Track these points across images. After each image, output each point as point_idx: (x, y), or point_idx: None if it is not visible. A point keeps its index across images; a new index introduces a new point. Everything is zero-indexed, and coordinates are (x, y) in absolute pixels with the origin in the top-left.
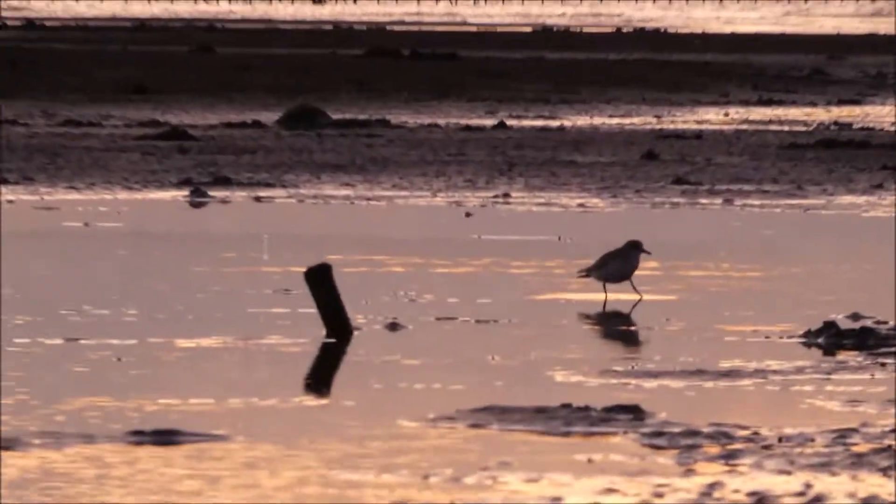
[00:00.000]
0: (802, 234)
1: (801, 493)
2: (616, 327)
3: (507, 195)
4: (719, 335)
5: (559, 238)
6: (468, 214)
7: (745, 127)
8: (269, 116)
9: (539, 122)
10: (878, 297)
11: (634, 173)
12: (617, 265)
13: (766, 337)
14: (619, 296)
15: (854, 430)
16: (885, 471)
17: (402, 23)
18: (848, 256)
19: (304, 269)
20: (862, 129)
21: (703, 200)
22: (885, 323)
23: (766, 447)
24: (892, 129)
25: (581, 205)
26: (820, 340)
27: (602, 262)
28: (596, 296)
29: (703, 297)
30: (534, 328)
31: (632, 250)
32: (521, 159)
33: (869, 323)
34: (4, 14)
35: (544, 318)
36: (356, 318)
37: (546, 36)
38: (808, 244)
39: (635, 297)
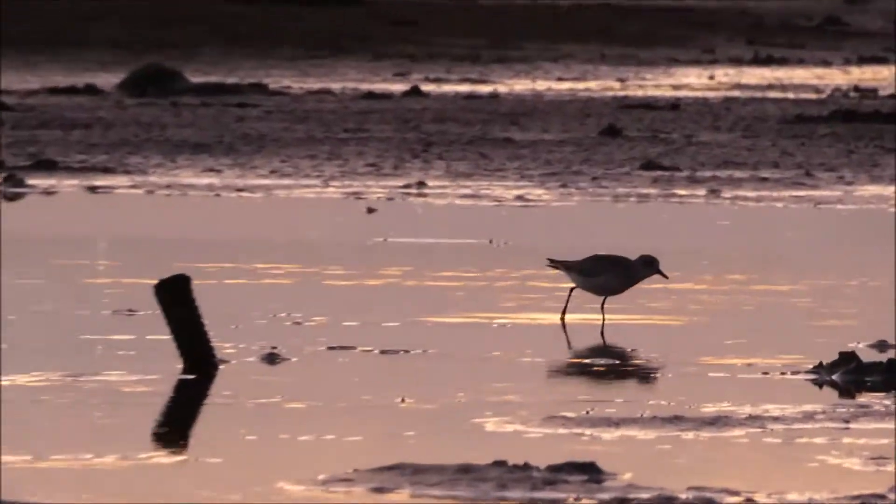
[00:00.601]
0: (812, 236)
1: None
2: (568, 360)
3: (422, 184)
4: (703, 370)
5: (491, 241)
6: (371, 210)
7: (736, 94)
8: (108, 80)
9: (465, 88)
10: None
11: (591, 155)
12: (618, 280)
13: (765, 373)
14: (574, 316)
15: (880, 497)
16: None
17: None
18: (871, 266)
19: (154, 283)
20: (891, 96)
21: (682, 191)
22: None
23: None
24: None
25: (520, 197)
26: (835, 377)
27: (594, 268)
28: (543, 316)
29: (682, 319)
30: (458, 361)
31: (644, 268)
32: (440, 137)
33: None
34: None
35: (472, 347)
36: (223, 347)
37: None
38: (820, 249)
39: (597, 317)
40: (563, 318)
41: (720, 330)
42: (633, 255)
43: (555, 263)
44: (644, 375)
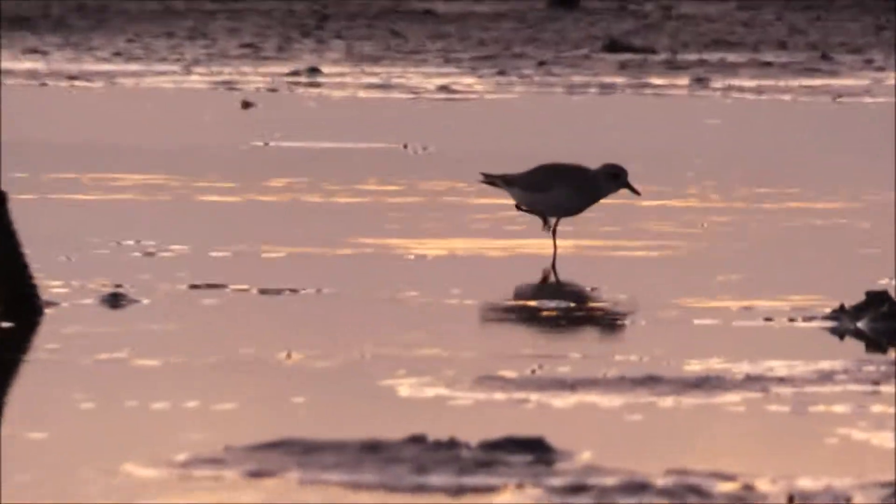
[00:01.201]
0: (829, 138)
1: None
2: (508, 302)
3: (314, 71)
4: (686, 315)
5: (405, 146)
6: (247, 104)
7: None
8: None
9: None
10: None
11: (537, 33)
12: (575, 196)
13: (768, 319)
14: (513, 243)
15: None
16: None
17: None
18: None
19: None
20: None
21: (658, 80)
22: None
23: None
24: None
25: (444, 88)
26: (861, 324)
27: (543, 180)
28: (474, 244)
29: (659, 247)
30: (361, 304)
31: (608, 181)
32: (339, 9)
33: None
34: None
35: (380, 285)
36: (50, 286)
37: None
38: (839, 156)
39: (547, 245)
40: (554, 254)
41: (708, 262)
42: (592, 165)
43: (490, 178)
44: (609, 323)
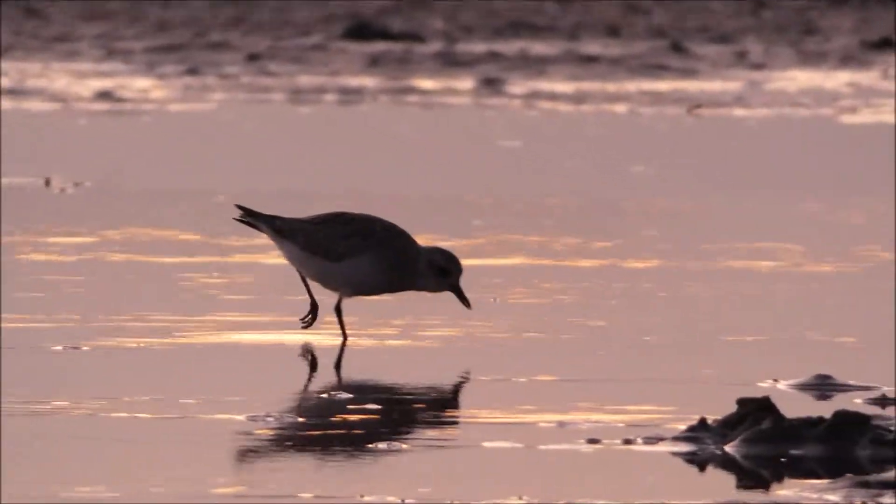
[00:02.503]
0: (681, 175)
1: None
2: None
3: None
4: (476, 435)
5: (48, 182)
6: None
7: None
8: None
9: None
10: None
11: (248, 10)
12: (381, 272)
13: (592, 441)
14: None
15: None
16: None
17: None
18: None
19: None
20: None
21: (428, 83)
22: None
23: None
24: None
25: (106, 94)
26: (729, 448)
27: (337, 239)
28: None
29: (431, 332)
30: None
31: (432, 273)
32: None
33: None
34: None
35: None
36: None
37: None
38: (699, 201)
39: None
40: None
41: (505, 354)
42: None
43: (252, 217)
44: (354, 450)
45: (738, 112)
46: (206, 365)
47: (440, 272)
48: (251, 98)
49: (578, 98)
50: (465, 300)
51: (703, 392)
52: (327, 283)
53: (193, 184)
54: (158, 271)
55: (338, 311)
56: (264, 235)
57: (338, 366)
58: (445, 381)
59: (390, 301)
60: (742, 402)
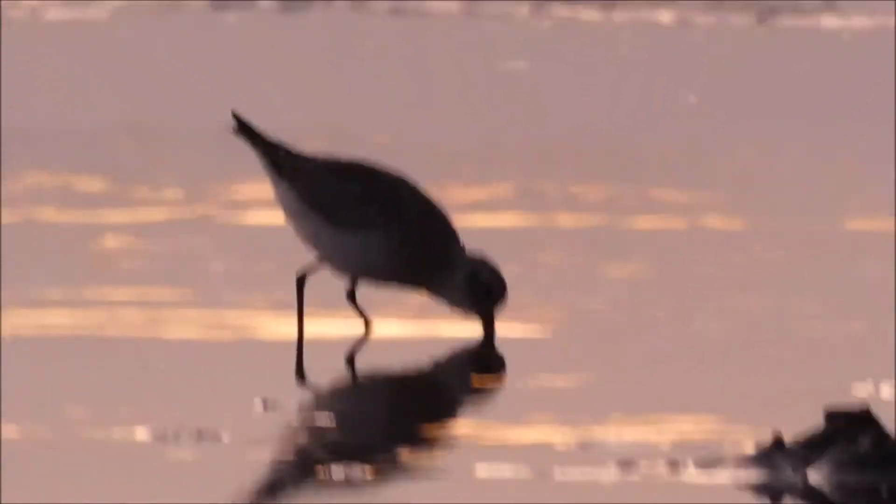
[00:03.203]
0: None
1: None
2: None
3: None
4: (470, 458)
5: None
6: None
7: None
8: None
9: None
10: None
11: None
12: (393, 254)
13: (626, 463)
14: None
15: None
16: None
17: None
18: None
19: None
20: None
21: None
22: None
23: None
24: None
25: None
26: (813, 473)
27: (332, 198)
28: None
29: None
30: None
31: (473, 292)
32: None
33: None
34: None
35: None
36: None
37: None
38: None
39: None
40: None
41: (514, 345)
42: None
43: (247, 136)
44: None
45: (828, 21)
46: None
47: (483, 293)
48: (158, 5)
49: (607, 4)
50: (492, 337)
51: (778, 399)
52: (324, 253)
53: (85, 119)
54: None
55: (351, 297)
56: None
57: (351, 360)
58: (428, 384)
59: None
60: (832, 415)
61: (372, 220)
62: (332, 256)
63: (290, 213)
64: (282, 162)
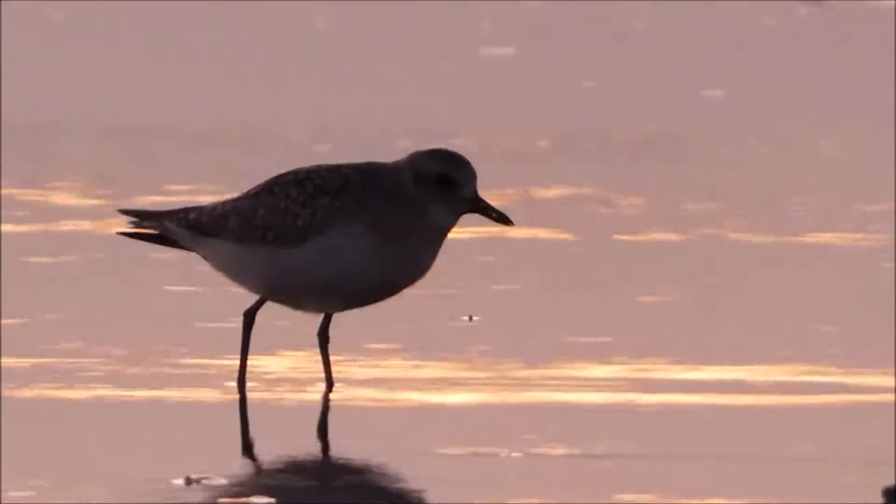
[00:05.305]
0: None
1: None
2: None
3: None
4: None
5: None
6: None
7: None
8: None
9: None
10: None
11: None
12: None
13: None
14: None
15: None
16: None
17: None
18: None
19: None
20: None
21: None
22: None
23: None
24: None
25: None
26: None
27: (273, 217)
28: None
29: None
30: None
31: (438, 191)
32: None
33: None
34: None
35: None
36: None
37: None
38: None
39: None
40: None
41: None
42: None
43: (145, 221)
44: None
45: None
46: None
47: (442, 183)
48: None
49: None
50: (498, 214)
51: (819, 472)
52: (290, 290)
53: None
54: None
55: (322, 339)
56: (168, 249)
57: (322, 428)
58: (386, 455)
59: None
60: (891, 492)
61: (331, 216)
62: (305, 288)
63: (230, 266)
64: (197, 220)
